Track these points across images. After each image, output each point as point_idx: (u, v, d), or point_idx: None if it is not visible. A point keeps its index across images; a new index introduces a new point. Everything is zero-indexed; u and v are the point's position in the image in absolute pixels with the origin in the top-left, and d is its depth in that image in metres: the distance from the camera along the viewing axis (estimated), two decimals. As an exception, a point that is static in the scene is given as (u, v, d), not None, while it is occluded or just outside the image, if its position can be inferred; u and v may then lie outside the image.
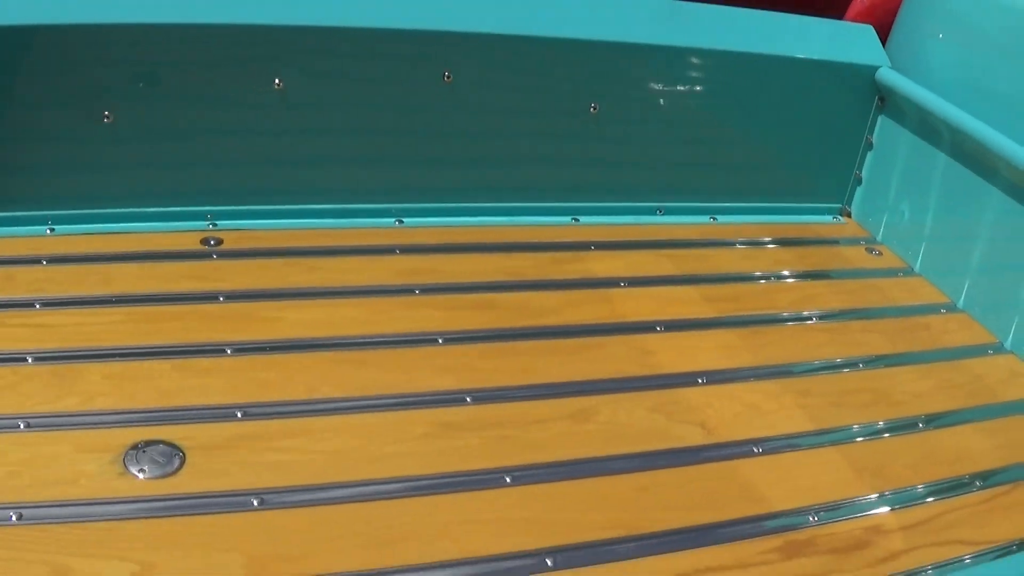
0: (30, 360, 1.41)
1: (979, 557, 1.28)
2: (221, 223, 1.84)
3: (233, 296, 1.64)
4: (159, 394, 1.38)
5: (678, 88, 2.04)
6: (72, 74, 1.66)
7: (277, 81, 1.78)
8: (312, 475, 1.28)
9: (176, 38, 1.69)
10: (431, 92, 1.87)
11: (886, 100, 2.17)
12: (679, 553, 1.25)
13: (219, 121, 1.79)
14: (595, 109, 1.98)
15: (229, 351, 1.50)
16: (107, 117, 1.70)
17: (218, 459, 1.28)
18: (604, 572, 1.20)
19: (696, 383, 1.62)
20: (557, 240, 1.98)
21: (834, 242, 2.20)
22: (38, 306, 1.54)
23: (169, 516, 1.19)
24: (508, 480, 1.34)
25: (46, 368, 1.40)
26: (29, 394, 1.35)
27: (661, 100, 2.03)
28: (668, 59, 1.99)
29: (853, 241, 2.22)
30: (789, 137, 2.16)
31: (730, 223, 2.18)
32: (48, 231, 1.75)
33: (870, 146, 2.23)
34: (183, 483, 1.24)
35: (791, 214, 2.26)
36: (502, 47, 1.87)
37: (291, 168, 1.85)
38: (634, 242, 2.02)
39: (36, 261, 1.65)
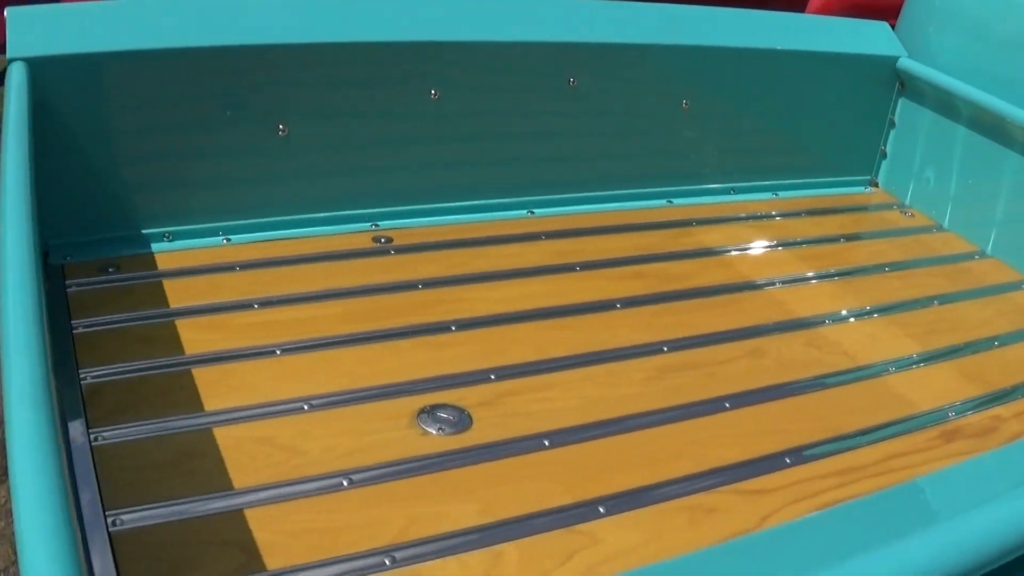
0: (279, 352, 1.66)
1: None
2: (383, 223, 2.15)
3: (428, 283, 1.95)
4: (415, 367, 1.66)
5: (745, 86, 2.47)
6: (251, 92, 1.91)
7: (433, 92, 2.10)
8: (576, 418, 1.61)
9: (339, 56, 1.98)
10: (555, 99, 2.23)
11: (906, 85, 2.65)
12: (867, 448, 1.66)
13: (379, 130, 2.09)
14: (687, 105, 2.39)
15: (453, 328, 1.82)
16: (282, 131, 1.98)
17: (496, 413, 1.58)
18: (832, 461, 1.60)
19: (825, 323, 2.04)
20: (665, 219, 2.37)
21: (871, 208, 2.67)
22: (256, 306, 1.80)
23: (481, 463, 1.47)
24: (727, 405, 1.73)
25: (299, 357, 1.64)
26: (299, 380, 1.58)
27: (732, 97, 2.45)
28: (734, 60, 2.41)
29: (887, 206, 2.70)
30: (821, 116, 2.61)
31: (788, 197, 2.62)
32: (224, 240, 1.99)
33: (893, 124, 2.71)
34: (478, 436, 1.53)
35: (829, 187, 2.72)
36: (616, 55, 2.25)
37: (441, 171, 2.17)
38: (721, 217, 2.43)
39: (230, 268, 1.88)
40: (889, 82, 2.65)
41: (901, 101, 2.67)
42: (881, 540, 0.93)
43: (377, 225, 2.12)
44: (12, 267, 1.06)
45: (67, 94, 1.71)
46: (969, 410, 1.80)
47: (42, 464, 0.78)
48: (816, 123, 2.60)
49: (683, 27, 2.36)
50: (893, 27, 2.68)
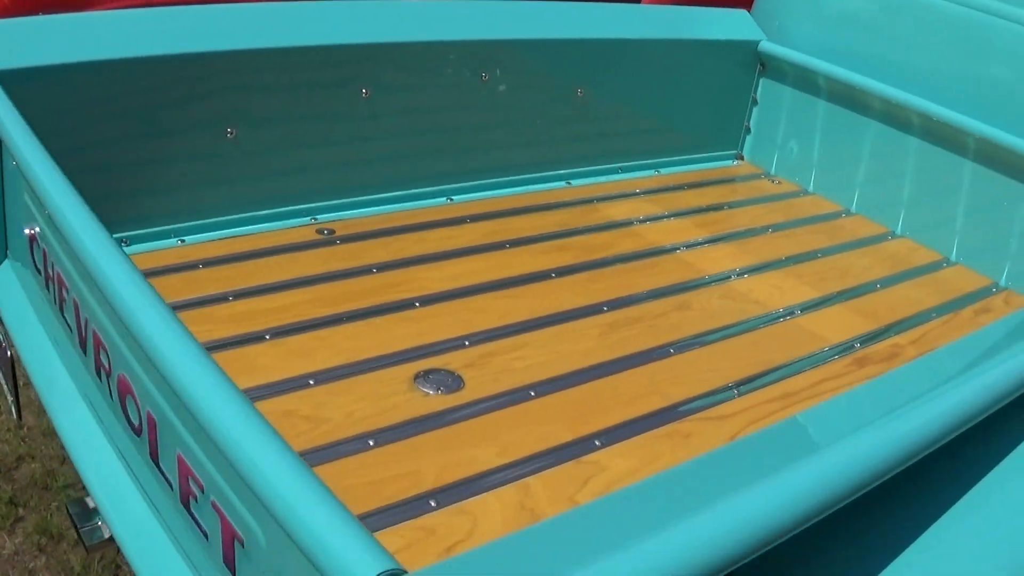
0: (268, 337, 1.79)
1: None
2: (321, 217, 2.28)
3: (381, 267, 2.09)
4: (397, 340, 1.81)
5: (626, 74, 2.72)
6: (199, 99, 2.00)
7: (364, 91, 2.24)
8: (552, 370, 1.79)
9: (281, 60, 2.09)
10: (469, 94, 2.40)
11: (767, 66, 2.97)
12: (796, 376, 1.92)
13: (317, 130, 2.21)
14: (581, 93, 2.62)
15: (417, 304, 1.98)
16: (230, 134, 2.08)
17: (482, 373, 1.75)
18: (771, 389, 1.86)
19: (731, 279, 2.30)
20: (569, 199, 2.58)
21: (741, 179, 2.96)
22: (231, 298, 1.91)
23: (484, 414, 1.64)
24: (672, 351, 1.96)
25: (289, 340, 1.76)
26: (297, 360, 1.70)
27: (615, 84, 2.69)
28: (618, 50, 2.65)
29: (755, 176, 3.01)
30: (692, 98, 2.90)
31: (668, 173, 2.89)
32: (179, 242, 2.09)
33: (756, 102, 3.03)
34: (472, 393, 1.69)
35: (701, 162, 3.01)
36: (518, 51, 2.45)
37: (372, 165, 2.31)
38: (616, 194, 2.66)
39: (193, 266, 1.97)
40: (751, 64, 2.96)
41: (762, 81, 2.99)
42: (826, 443, 1.15)
43: (316, 219, 2.24)
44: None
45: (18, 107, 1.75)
46: (871, 341, 2.10)
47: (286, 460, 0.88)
48: (687, 105, 2.88)
49: (576, 22, 2.58)
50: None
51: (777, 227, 2.63)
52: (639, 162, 2.86)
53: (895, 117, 2.66)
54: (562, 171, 2.68)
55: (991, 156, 2.46)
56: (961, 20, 2.52)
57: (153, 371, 1.11)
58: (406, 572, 0.77)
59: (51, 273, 1.51)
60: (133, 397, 1.25)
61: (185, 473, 1.13)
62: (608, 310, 2.06)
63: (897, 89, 2.61)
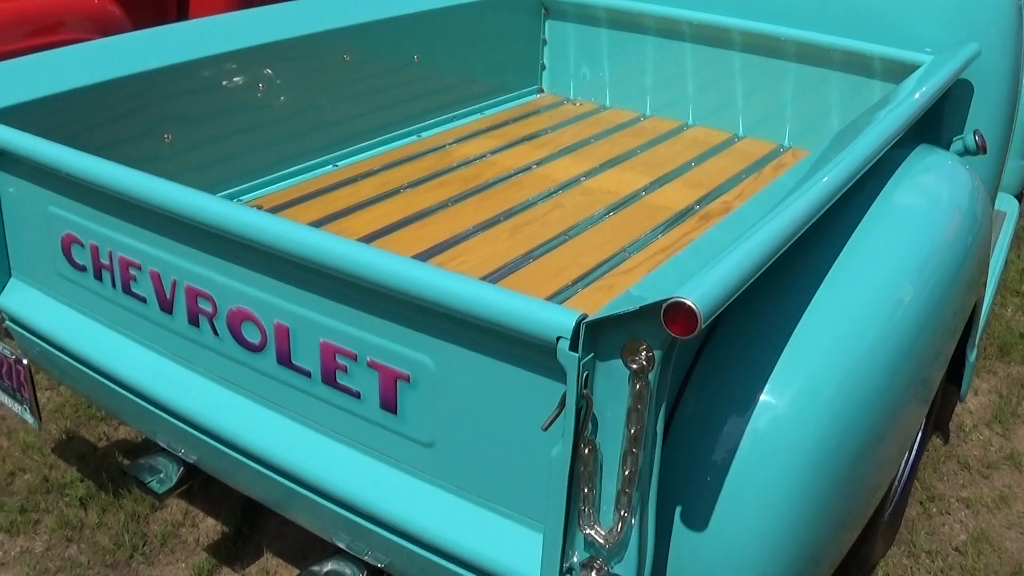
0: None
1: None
2: (246, 197, 2.65)
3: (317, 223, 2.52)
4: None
5: (443, 37, 3.22)
6: (140, 110, 2.34)
7: (260, 86, 2.63)
8: (487, 268, 2.29)
9: (200, 69, 2.45)
10: (336, 73, 2.83)
11: (549, 9, 3.56)
12: (665, 235, 2.51)
13: (233, 122, 2.58)
14: (417, 59, 3.10)
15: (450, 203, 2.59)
16: (167, 138, 2.43)
17: (467, 261, 2.29)
18: (653, 246, 2.43)
19: (582, 180, 2.87)
20: (427, 148, 3.04)
21: (549, 108, 3.53)
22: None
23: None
24: (567, 237, 2.50)
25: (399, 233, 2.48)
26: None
27: (438, 46, 3.19)
28: (431, 19, 3.15)
29: (559, 104, 3.60)
30: (493, 48, 3.44)
31: (491, 113, 3.43)
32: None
33: (545, 42, 3.61)
34: None
35: (512, 101, 3.57)
36: (373, 32, 2.90)
37: (280, 144, 2.70)
38: (461, 137, 3.15)
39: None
40: (536, 11, 3.54)
41: (548, 23, 3.57)
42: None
43: (241, 200, 2.61)
44: None
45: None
46: (706, 202, 2.73)
47: None
48: (493, 54, 3.41)
49: (397, 1, 3.05)
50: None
51: (596, 137, 3.23)
52: (466, 108, 3.37)
53: (668, 29, 3.30)
54: (413, 127, 3.15)
55: (755, 44, 3.14)
56: None
57: (288, 284, 1.52)
58: (588, 316, 1.25)
59: (106, 262, 1.83)
60: (253, 320, 1.63)
61: (331, 353, 1.55)
62: (504, 219, 2.57)
63: (664, 6, 3.25)
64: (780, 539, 1.53)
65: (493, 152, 3.04)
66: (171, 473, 2.03)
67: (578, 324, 1.24)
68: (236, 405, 1.73)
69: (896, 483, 2.50)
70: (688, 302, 1.15)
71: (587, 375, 1.27)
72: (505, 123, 3.32)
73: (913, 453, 2.60)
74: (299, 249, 1.46)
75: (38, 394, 2.15)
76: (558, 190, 2.76)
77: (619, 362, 1.25)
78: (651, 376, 1.24)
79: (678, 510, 1.50)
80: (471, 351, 1.39)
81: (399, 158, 2.95)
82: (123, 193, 1.66)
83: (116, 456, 2.61)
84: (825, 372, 1.62)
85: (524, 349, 1.32)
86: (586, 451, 1.31)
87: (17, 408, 2.18)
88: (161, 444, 2.01)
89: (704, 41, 3.27)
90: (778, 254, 1.37)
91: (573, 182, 2.83)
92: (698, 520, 1.50)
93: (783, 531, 1.52)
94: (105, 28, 3.51)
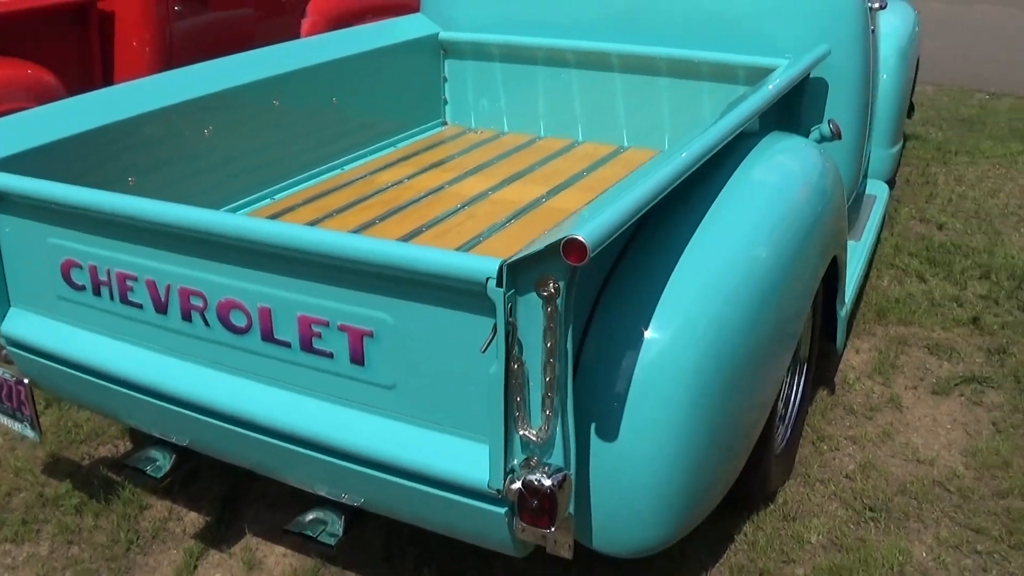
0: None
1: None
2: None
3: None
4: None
5: (356, 81, 3.70)
6: (109, 158, 2.75)
7: (206, 131, 3.06)
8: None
9: (155, 119, 2.89)
10: (268, 116, 3.28)
11: (448, 50, 4.06)
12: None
13: (185, 165, 3.01)
14: (336, 101, 3.57)
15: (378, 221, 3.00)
16: (131, 182, 2.84)
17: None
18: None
19: (488, 194, 3.34)
20: (351, 178, 3.51)
21: (454, 138, 4.03)
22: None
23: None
24: (482, 239, 2.98)
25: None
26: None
27: (353, 89, 3.67)
28: (344, 66, 3.62)
29: (462, 133, 4.10)
30: (401, 88, 3.93)
31: (405, 144, 3.91)
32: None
33: (446, 79, 4.12)
34: None
35: (421, 134, 4.06)
36: (296, 79, 3.37)
37: (228, 180, 3.14)
38: (383, 166, 3.63)
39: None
40: (436, 52, 4.04)
41: (447, 62, 4.07)
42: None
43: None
44: None
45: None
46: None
47: None
48: (401, 92, 3.90)
49: (318, 51, 3.53)
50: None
51: (498, 158, 3.72)
52: (382, 143, 3.84)
53: (554, 59, 3.83)
54: (336, 160, 3.61)
55: (632, 65, 3.68)
56: None
57: (267, 272, 1.96)
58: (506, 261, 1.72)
59: (104, 279, 2.24)
60: (240, 307, 2.06)
61: (307, 324, 1.99)
62: (426, 230, 3.03)
63: (547, 38, 3.78)
64: (671, 434, 2.01)
65: (408, 177, 3.51)
66: (164, 461, 2.43)
67: (501, 266, 1.71)
68: (228, 383, 2.14)
69: (784, 418, 3.00)
70: (579, 237, 1.63)
71: (511, 306, 1.73)
72: (416, 153, 3.80)
73: (797, 395, 3.11)
74: (272, 239, 1.91)
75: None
76: (469, 203, 3.24)
77: (533, 294, 1.72)
78: (559, 302, 1.72)
79: (595, 417, 1.98)
80: (420, 303, 1.85)
81: (327, 188, 3.41)
82: (119, 216, 2.09)
83: (101, 470, 2.98)
84: (698, 308, 2.12)
85: (461, 294, 1.78)
86: (515, 367, 1.78)
87: (17, 426, 2.55)
88: (156, 435, 2.42)
89: (587, 66, 3.80)
90: (646, 208, 1.87)
91: (481, 196, 3.31)
92: (610, 424, 1.97)
93: (673, 427, 2.01)
94: (40, 97, 3.90)
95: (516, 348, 1.75)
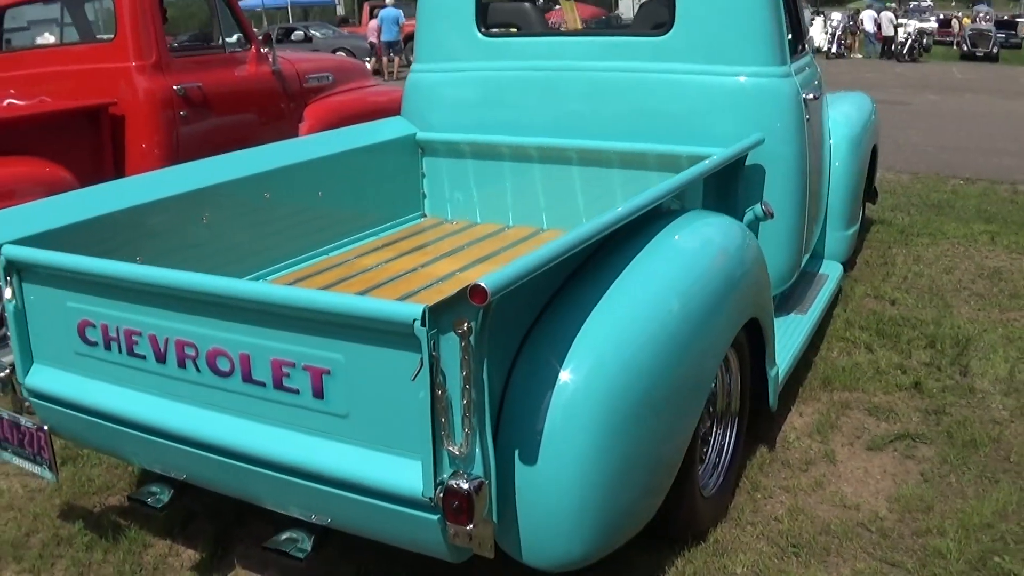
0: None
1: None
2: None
3: None
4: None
5: (342, 175, 4.29)
6: (118, 239, 3.31)
7: (204, 218, 3.63)
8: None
9: (156, 208, 3.46)
10: (258, 209, 3.85)
11: (425, 149, 4.66)
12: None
13: (184, 246, 3.56)
14: (321, 194, 4.15)
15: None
16: (139, 260, 3.40)
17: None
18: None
19: (455, 274, 3.90)
20: (338, 261, 4.06)
21: (432, 227, 4.57)
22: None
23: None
24: None
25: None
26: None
27: (341, 180, 4.25)
28: (331, 165, 4.21)
29: (439, 223, 4.66)
30: (382, 183, 4.51)
31: (388, 234, 4.47)
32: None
33: (424, 175, 4.70)
34: None
35: (403, 224, 4.63)
36: (283, 175, 3.95)
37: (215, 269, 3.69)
38: (365, 252, 4.18)
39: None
40: (414, 151, 4.63)
41: (425, 159, 4.66)
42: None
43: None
44: None
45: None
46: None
47: None
48: (384, 186, 4.48)
49: (304, 150, 4.12)
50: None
51: (469, 244, 4.26)
52: (364, 232, 4.40)
53: (520, 155, 4.40)
54: (323, 247, 4.17)
55: (589, 159, 4.24)
56: (539, 80, 4.32)
57: (247, 324, 2.48)
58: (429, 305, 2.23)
59: (114, 335, 2.77)
60: (225, 355, 2.58)
61: (279, 366, 2.51)
62: (407, 298, 3.56)
63: (513, 136, 4.37)
64: (585, 461, 2.49)
65: (387, 261, 4.06)
66: (164, 494, 2.93)
67: (424, 311, 2.22)
68: (215, 420, 2.63)
69: (717, 465, 3.44)
70: (482, 284, 2.15)
71: (434, 342, 2.24)
72: (396, 240, 4.36)
73: (730, 446, 3.56)
74: (249, 296, 2.43)
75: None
76: (438, 281, 3.77)
77: (451, 332, 2.23)
78: (472, 339, 2.22)
79: (520, 444, 2.46)
80: (365, 344, 2.36)
81: (314, 271, 3.95)
82: (128, 282, 2.63)
83: (110, 516, 3.46)
84: (610, 352, 2.62)
85: (395, 335, 2.28)
86: (439, 392, 2.27)
87: (36, 469, 3.05)
88: (158, 471, 2.92)
89: (549, 160, 4.37)
90: (542, 268, 2.39)
91: (449, 275, 3.84)
92: (532, 450, 2.45)
93: (586, 455, 2.48)
94: (56, 191, 4.50)
95: (439, 377, 2.24)
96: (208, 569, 3.16)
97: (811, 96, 4.39)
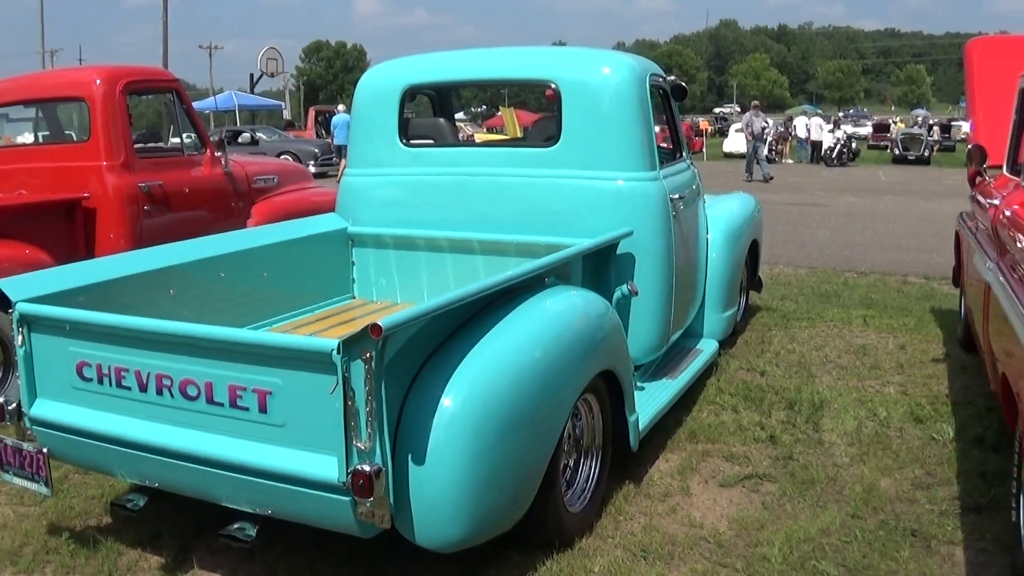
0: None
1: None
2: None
3: None
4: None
5: (281, 261, 5.39)
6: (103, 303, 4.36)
7: (171, 291, 4.70)
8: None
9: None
10: (215, 292, 4.94)
11: (355, 240, 5.78)
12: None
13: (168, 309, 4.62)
14: (266, 275, 5.24)
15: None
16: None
17: None
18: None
19: None
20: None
21: (359, 306, 5.65)
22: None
23: None
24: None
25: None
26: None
27: (285, 268, 5.35)
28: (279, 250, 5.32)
29: (364, 304, 5.76)
30: (317, 269, 5.61)
31: (324, 310, 5.56)
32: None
33: (354, 264, 5.82)
34: None
35: (333, 304, 5.71)
36: (235, 259, 5.04)
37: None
38: (296, 327, 5.27)
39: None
40: (345, 242, 5.75)
41: (355, 249, 5.78)
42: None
43: None
44: None
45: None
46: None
47: None
48: (319, 272, 5.59)
49: (251, 239, 5.22)
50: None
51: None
52: (302, 308, 5.48)
53: (433, 246, 5.53)
54: (265, 321, 5.23)
55: (490, 249, 5.34)
56: (451, 183, 5.48)
57: (211, 359, 3.54)
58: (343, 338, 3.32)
59: (106, 372, 3.80)
60: (194, 383, 3.61)
61: (234, 390, 3.56)
62: None
63: (427, 230, 5.51)
64: (459, 465, 3.50)
65: (319, 332, 5.13)
66: (140, 500, 3.93)
67: (339, 343, 3.30)
68: (185, 435, 3.65)
69: (584, 490, 4.46)
70: (378, 323, 3.24)
71: (346, 366, 3.29)
72: (328, 316, 5.44)
73: (594, 474, 4.58)
74: (211, 336, 3.50)
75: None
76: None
77: (359, 359, 3.31)
78: (373, 364, 3.29)
79: (412, 449, 3.50)
80: (297, 370, 3.41)
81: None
82: (116, 329, 3.69)
83: (90, 532, 4.42)
84: (481, 384, 3.68)
85: (318, 362, 3.32)
86: (350, 403, 3.31)
87: (34, 486, 4.03)
88: (135, 482, 3.93)
89: (457, 250, 5.49)
90: (430, 315, 3.49)
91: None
92: (420, 454, 3.47)
93: (460, 461, 3.49)
94: (32, 268, 5.49)
95: (350, 392, 3.30)
96: (172, 569, 4.14)
97: (678, 196, 5.55)
